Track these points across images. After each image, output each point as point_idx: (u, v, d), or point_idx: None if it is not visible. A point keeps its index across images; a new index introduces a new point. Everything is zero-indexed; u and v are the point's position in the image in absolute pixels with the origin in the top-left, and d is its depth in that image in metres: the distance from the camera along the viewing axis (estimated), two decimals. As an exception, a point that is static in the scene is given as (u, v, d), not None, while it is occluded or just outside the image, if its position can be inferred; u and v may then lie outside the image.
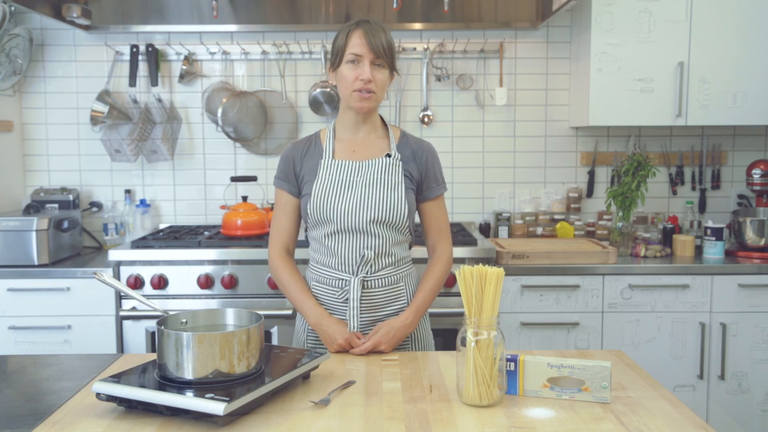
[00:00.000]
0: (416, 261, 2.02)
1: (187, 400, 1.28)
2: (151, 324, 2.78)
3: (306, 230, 1.95)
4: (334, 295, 1.86)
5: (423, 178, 1.91)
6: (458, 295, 2.52)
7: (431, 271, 1.92)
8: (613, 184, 3.38)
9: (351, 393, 1.47)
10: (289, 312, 2.75)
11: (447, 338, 2.73)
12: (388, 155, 1.87)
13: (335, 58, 1.83)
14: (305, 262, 1.99)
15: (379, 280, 1.85)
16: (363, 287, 1.83)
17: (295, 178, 1.89)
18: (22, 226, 2.85)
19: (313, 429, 1.29)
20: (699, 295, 2.84)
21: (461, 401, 1.42)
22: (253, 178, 3.18)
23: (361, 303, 1.83)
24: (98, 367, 1.64)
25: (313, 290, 1.89)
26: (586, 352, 1.79)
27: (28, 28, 3.25)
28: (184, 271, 2.79)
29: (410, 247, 1.97)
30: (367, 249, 1.82)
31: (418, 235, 2.02)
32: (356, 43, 1.78)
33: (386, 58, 1.80)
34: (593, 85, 3.04)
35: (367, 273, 1.83)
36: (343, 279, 1.84)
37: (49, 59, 3.38)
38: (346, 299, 1.83)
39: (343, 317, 1.84)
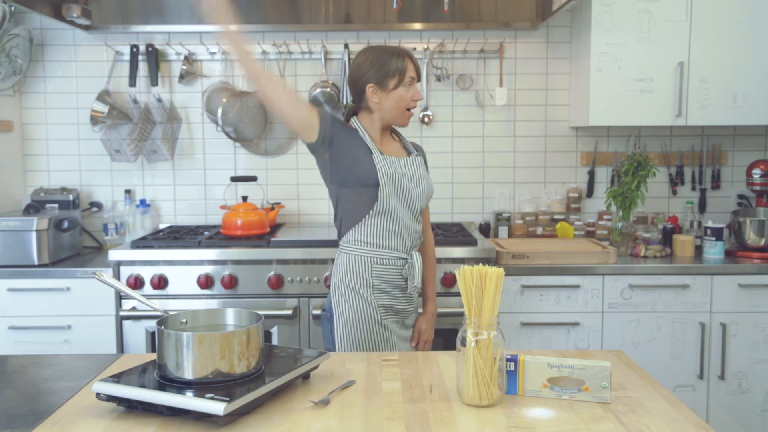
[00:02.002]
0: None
1: (187, 400, 1.28)
2: (151, 324, 2.78)
3: (352, 223, 2.08)
4: (398, 273, 2.09)
5: None
6: (458, 295, 2.52)
7: (429, 258, 2.33)
8: (613, 184, 3.38)
9: (351, 393, 1.47)
10: (289, 312, 2.75)
11: (447, 338, 2.73)
12: (417, 154, 2.20)
13: (387, 79, 2.06)
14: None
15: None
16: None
17: (330, 131, 2.05)
18: (22, 226, 2.85)
19: (313, 429, 1.29)
20: (699, 295, 2.84)
21: (461, 401, 1.42)
22: (253, 178, 3.18)
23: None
24: (98, 367, 1.64)
25: (374, 272, 2.07)
26: (586, 352, 1.79)
27: (28, 28, 3.25)
28: (184, 271, 2.80)
29: None
30: (417, 231, 2.14)
31: None
32: (412, 68, 2.09)
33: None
34: (593, 85, 3.04)
35: (416, 249, 2.16)
36: (403, 258, 2.09)
37: (49, 59, 3.38)
38: (407, 275, 2.10)
39: (400, 290, 2.10)
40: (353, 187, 2.05)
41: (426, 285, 2.31)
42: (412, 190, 2.10)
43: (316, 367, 1.54)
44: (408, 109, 2.11)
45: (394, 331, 2.12)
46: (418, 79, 2.12)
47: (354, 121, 2.13)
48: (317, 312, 2.75)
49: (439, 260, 2.76)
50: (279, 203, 3.34)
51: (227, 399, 1.26)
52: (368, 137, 2.09)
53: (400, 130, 2.25)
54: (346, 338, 2.08)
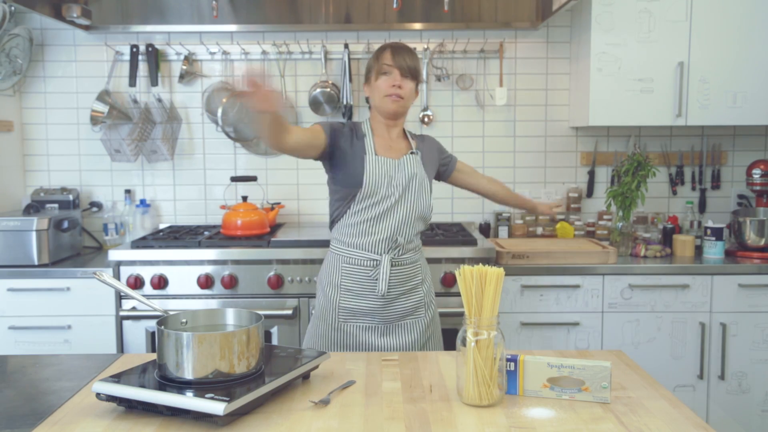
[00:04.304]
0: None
1: (187, 400, 1.28)
2: (151, 324, 2.78)
3: (334, 220, 2.14)
4: (367, 274, 2.06)
5: (440, 162, 2.30)
6: (458, 295, 2.52)
7: (501, 187, 2.46)
8: (613, 184, 3.38)
9: (351, 393, 1.47)
10: (289, 312, 2.75)
11: (447, 338, 2.73)
12: (413, 152, 2.16)
13: (370, 74, 2.14)
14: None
15: (404, 260, 2.10)
16: (391, 266, 2.07)
17: (331, 139, 2.08)
18: (22, 226, 2.85)
19: (313, 429, 1.29)
20: (699, 295, 2.84)
21: (461, 401, 1.42)
22: (253, 178, 3.18)
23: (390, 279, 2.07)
24: (98, 367, 1.64)
25: (342, 271, 2.09)
26: (586, 352, 1.79)
27: (28, 28, 3.25)
28: (184, 271, 2.79)
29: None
30: (399, 236, 2.08)
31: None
32: (387, 58, 2.09)
33: (410, 73, 2.10)
34: (593, 85, 3.04)
35: (395, 255, 2.07)
36: (375, 259, 2.06)
37: (49, 59, 3.38)
38: (376, 278, 2.05)
39: (373, 293, 2.06)
40: (341, 185, 2.10)
41: (518, 200, 2.53)
42: (394, 193, 2.06)
43: (316, 367, 1.54)
44: (389, 96, 2.07)
45: (355, 335, 2.08)
46: (406, 73, 2.08)
47: (365, 123, 2.18)
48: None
49: (439, 260, 2.76)
50: (279, 203, 3.34)
51: (227, 399, 1.26)
52: (371, 136, 2.13)
53: (406, 128, 2.25)
54: (309, 334, 2.16)
